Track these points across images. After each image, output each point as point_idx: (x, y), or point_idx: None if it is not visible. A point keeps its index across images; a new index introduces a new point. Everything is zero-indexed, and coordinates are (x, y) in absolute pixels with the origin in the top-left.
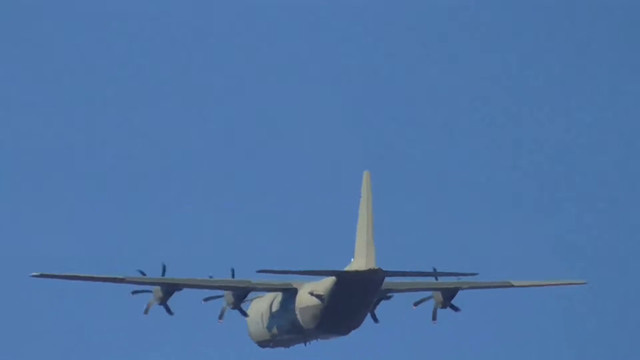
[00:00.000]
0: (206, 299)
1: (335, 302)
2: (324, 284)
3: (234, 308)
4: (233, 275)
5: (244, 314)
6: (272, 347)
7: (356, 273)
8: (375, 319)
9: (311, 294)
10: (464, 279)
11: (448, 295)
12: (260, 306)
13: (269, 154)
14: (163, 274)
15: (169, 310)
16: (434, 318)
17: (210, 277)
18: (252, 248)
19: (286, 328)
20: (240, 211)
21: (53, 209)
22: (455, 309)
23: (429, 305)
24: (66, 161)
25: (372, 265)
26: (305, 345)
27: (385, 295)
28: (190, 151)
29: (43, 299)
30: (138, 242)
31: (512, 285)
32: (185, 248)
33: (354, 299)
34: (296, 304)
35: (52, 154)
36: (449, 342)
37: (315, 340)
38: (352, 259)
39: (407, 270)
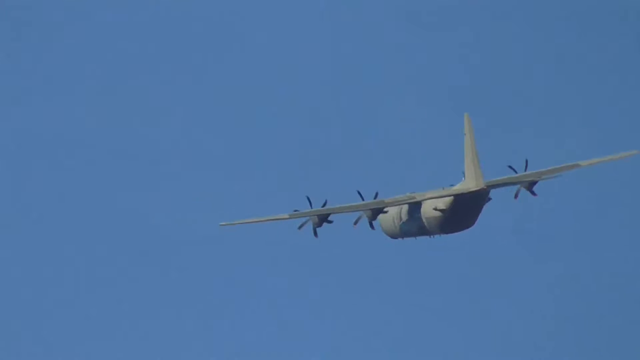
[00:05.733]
0: (355, 222)
1: (453, 213)
2: (444, 201)
3: (372, 220)
4: (362, 198)
5: (372, 226)
6: (402, 239)
7: (469, 192)
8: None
9: (435, 209)
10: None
11: (530, 185)
12: (391, 212)
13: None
14: (311, 206)
15: (315, 233)
16: (516, 197)
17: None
18: (377, 179)
19: (415, 230)
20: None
21: None
22: (533, 193)
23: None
24: None
25: (481, 184)
26: (430, 237)
27: (488, 199)
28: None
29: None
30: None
31: (580, 166)
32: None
33: (467, 210)
34: (422, 214)
35: None
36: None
37: (438, 235)
38: (462, 178)
39: (507, 177)
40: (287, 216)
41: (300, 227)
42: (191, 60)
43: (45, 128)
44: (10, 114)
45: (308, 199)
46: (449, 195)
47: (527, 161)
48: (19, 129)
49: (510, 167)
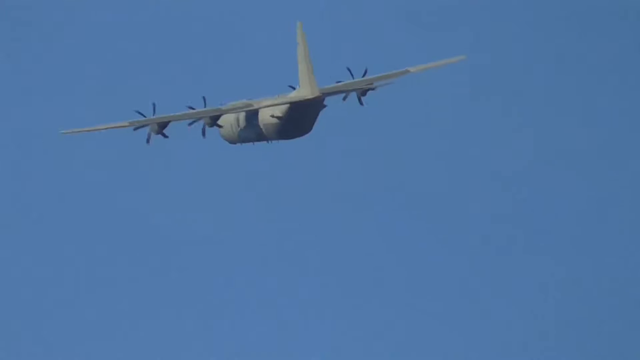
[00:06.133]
0: (190, 124)
1: (290, 120)
2: (281, 109)
3: (210, 127)
4: (205, 104)
5: (204, 132)
6: (241, 144)
7: (305, 100)
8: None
9: (272, 116)
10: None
11: (363, 93)
12: (229, 119)
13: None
14: (154, 112)
15: (165, 135)
16: (344, 99)
17: (190, 107)
18: (220, 82)
19: (253, 137)
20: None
21: None
22: (361, 103)
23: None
24: None
25: (316, 92)
26: (268, 143)
27: (323, 106)
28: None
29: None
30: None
31: (409, 72)
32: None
33: (303, 117)
34: (259, 121)
35: None
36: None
37: (275, 141)
38: (297, 87)
39: (341, 83)
40: (126, 124)
41: (135, 129)
42: (191, 60)
43: (45, 128)
44: (10, 114)
45: (153, 105)
46: (285, 103)
47: (366, 70)
48: (19, 129)
49: (348, 69)
